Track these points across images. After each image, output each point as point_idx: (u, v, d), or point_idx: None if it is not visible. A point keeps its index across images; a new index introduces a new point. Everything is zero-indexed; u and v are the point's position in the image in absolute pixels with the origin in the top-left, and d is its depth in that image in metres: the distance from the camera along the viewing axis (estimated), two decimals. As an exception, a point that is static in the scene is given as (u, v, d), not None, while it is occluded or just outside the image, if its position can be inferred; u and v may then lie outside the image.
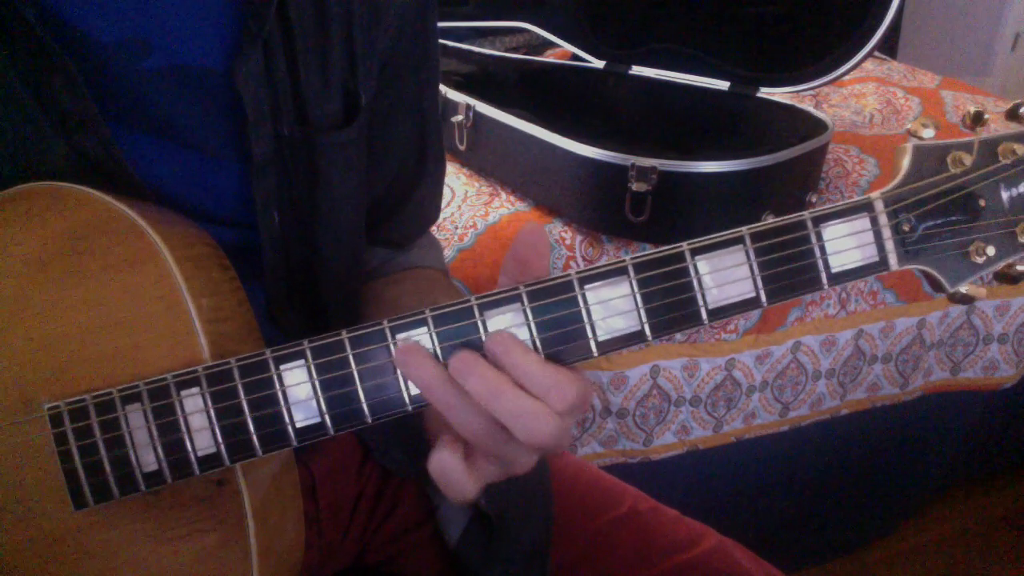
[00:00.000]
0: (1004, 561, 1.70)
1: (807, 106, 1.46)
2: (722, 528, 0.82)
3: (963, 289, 0.54)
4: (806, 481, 1.56)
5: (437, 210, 0.91)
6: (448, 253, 1.32)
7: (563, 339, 0.51)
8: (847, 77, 1.46)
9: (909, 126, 0.54)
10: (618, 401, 1.35)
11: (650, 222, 1.26)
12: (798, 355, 1.42)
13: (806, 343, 1.41)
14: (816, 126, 1.37)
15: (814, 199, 1.38)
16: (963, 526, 1.76)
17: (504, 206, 1.46)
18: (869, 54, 1.36)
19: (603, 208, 1.31)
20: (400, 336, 0.51)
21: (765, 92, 1.49)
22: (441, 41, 0.80)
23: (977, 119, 0.52)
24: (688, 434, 1.42)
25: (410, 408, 0.52)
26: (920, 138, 0.53)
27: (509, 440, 0.50)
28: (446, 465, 0.51)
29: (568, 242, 1.35)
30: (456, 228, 1.39)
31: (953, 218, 0.53)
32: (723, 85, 1.53)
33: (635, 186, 1.23)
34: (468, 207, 1.46)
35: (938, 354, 1.53)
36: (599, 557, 0.79)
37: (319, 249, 0.73)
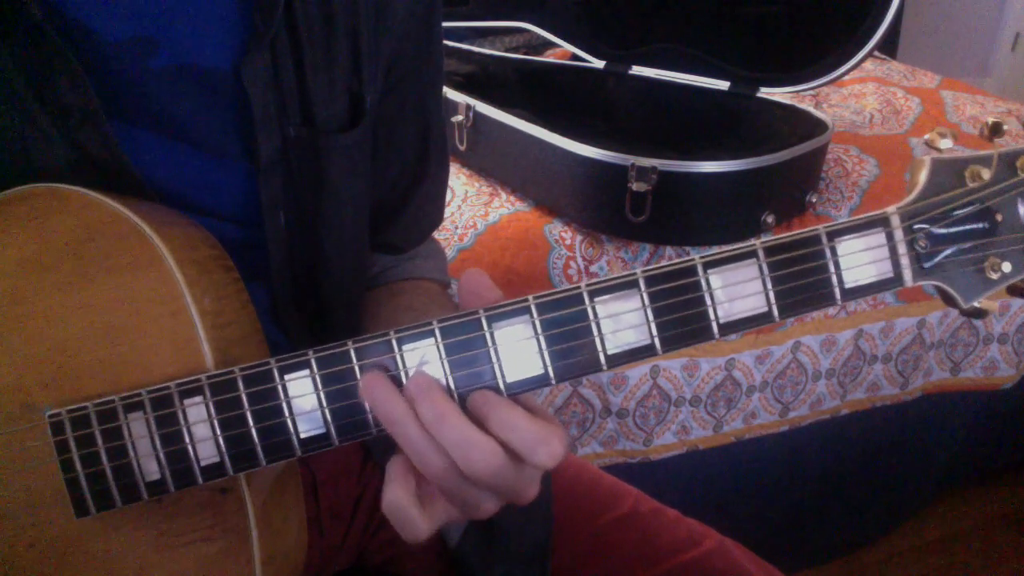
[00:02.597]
0: (1004, 561, 1.70)
1: (807, 106, 1.46)
2: (722, 528, 0.82)
3: (977, 304, 0.53)
4: (806, 481, 1.56)
5: (440, 215, 0.90)
6: (448, 253, 1.32)
7: (572, 352, 0.51)
8: (847, 77, 1.46)
9: (926, 136, 0.53)
10: (618, 401, 1.35)
11: (650, 222, 1.26)
12: (798, 355, 1.42)
13: (806, 343, 1.41)
14: (816, 126, 1.37)
15: (814, 199, 1.38)
16: (963, 526, 1.76)
17: (504, 206, 1.46)
18: (869, 54, 1.36)
19: (603, 208, 1.31)
20: (406, 347, 0.51)
21: (765, 92, 1.49)
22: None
23: (996, 130, 0.51)
24: (688, 434, 1.42)
25: None
26: (938, 149, 0.52)
27: (469, 482, 0.50)
28: (398, 503, 0.50)
29: (568, 242, 1.35)
30: (456, 228, 1.39)
31: (969, 234, 0.52)
32: (723, 85, 1.53)
33: (635, 186, 1.23)
34: (468, 207, 1.46)
35: (938, 354, 1.53)
36: (600, 557, 0.79)
37: (323, 250, 0.73)
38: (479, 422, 0.50)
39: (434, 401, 0.49)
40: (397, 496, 0.50)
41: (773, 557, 0.81)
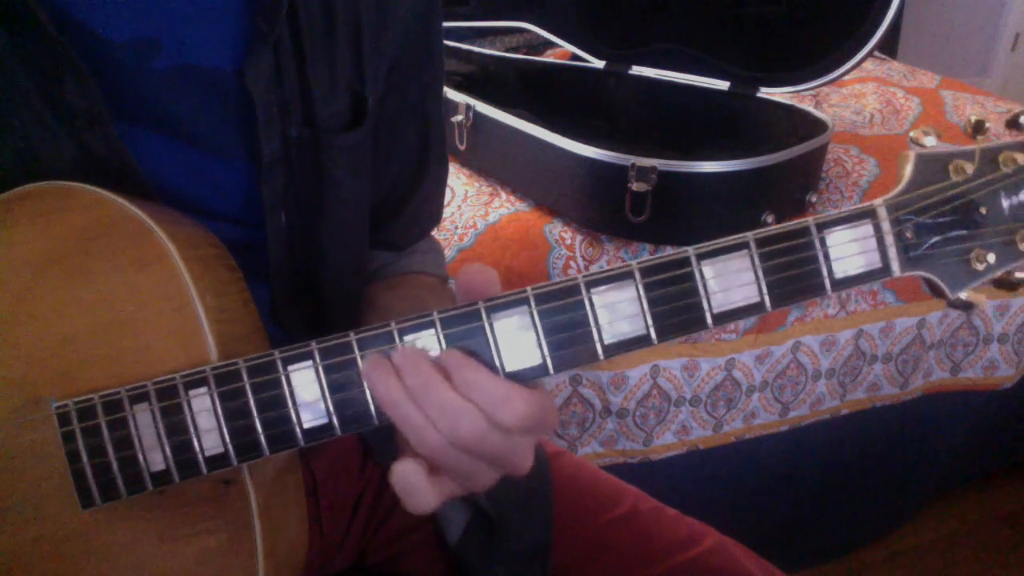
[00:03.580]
0: (1004, 561, 1.70)
1: (807, 106, 1.46)
2: (722, 528, 0.82)
3: (963, 295, 0.54)
4: (806, 481, 1.56)
5: (439, 214, 0.91)
6: (448, 253, 1.33)
7: (569, 342, 0.51)
8: (847, 77, 1.47)
9: (911, 134, 0.54)
10: (618, 401, 1.35)
11: (650, 222, 1.26)
12: (798, 355, 1.42)
13: (806, 343, 1.42)
14: (816, 126, 1.38)
15: (814, 199, 1.39)
16: (963, 526, 1.77)
17: (504, 206, 1.46)
18: (869, 54, 1.37)
19: (603, 208, 1.32)
20: (408, 338, 0.51)
21: (765, 92, 1.49)
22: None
23: (978, 128, 0.53)
24: (688, 434, 1.42)
25: None
26: (922, 146, 0.54)
27: (471, 458, 0.50)
28: (406, 473, 0.50)
29: (568, 242, 1.35)
30: (456, 228, 1.39)
31: (955, 226, 0.53)
32: (723, 85, 1.53)
33: (635, 186, 1.23)
34: (468, 207, 1.46)
35: (938, 354, 1.53)
36: (600, 557, 0.79)
37: (323, 249, 0.73)
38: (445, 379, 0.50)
39: (419, 371, 0.50)
40: (406, 467, 0.50)
41: (773, 557, 0.81)
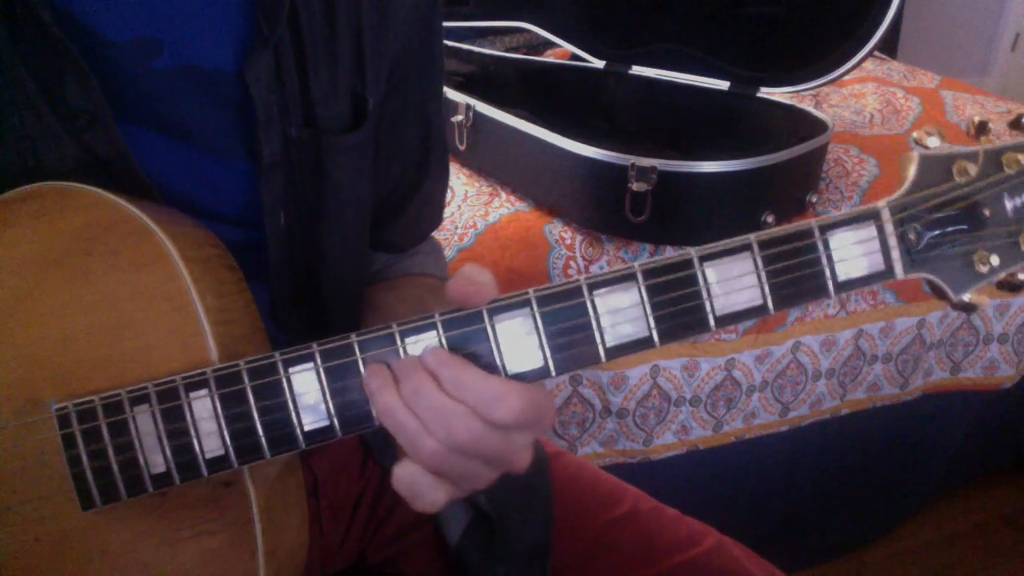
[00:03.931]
0: (1004, 561, 1.70)
1: (807, 106, 1.46)
2: (722, 528, 0.82)
3: (966, 298, 0.54)
4: (806, 481, 1.57)
5: (439, 216, 0.91)
6: (448, 253, 1.32)
7: (571, 344, 0.51)
8: (847, 77, 1.47)
9: (914, 134, 0.54)
10: (618, 401, 1.35)
11: (650, 222, 1.26)
12: (798, 355, 1.42)
13: (806, 343, 1.42)
14: (816, 126, 1.38)
15: (814, 199, 1.39)
16: (963, 526, 1.77)
17: (504, 206, 1.46)
18: (869, 54, 1.37)
19: (603, 208, 1.32)
20: (409, 340, 0.51)
21: (765, 92, 1.49)
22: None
23: (982, 129, 0.53)
24: (688, 434, 1.42)
25: None
26: (925, 147, 0.53)
27: (469, 460, 0.50)
28: (410, 475, 0.50)
29: (568, 242, 1.35)
30: (456, 228, 1.39)
31: (958, 227, 0.53)
32: (723, 85, 1.53)
33: (635, 186, 1.23)
34: (468, 207, 1.46)
35: (938, 354, 1.53)
36: (600, 557, 0.79)
37: (323, 250, 0.73)
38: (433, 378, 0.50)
39: (413, 377, 0.50)
40: (407, 469, 0.50)
41: (773, 557, 0.81)
